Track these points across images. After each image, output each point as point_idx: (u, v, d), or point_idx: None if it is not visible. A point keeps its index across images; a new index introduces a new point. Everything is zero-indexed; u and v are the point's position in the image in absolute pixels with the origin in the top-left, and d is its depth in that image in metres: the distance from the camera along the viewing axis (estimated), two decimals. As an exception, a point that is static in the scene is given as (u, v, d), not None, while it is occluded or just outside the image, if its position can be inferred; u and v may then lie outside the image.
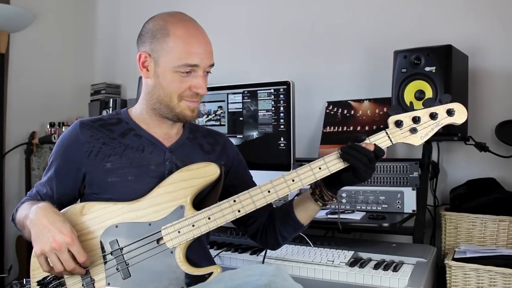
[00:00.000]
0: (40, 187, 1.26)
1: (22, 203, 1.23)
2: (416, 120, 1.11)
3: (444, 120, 1.12)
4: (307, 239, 1.69)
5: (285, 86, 1.92)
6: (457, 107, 1.12)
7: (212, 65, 1.22)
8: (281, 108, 1.93)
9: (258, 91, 1.99)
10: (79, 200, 1.26)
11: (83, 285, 1.11)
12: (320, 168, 1.12)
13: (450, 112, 1.11)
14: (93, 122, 1.26)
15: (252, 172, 1.42)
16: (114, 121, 1.28)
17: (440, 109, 1.12)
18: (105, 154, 1.21)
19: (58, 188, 1.23)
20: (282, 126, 1.93)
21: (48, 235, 1.04)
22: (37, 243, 1.05)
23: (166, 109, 1.22)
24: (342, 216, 1.74)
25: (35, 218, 1.07)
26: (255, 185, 1.19)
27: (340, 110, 2.15)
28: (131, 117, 1.29)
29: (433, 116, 1.11)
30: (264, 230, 1.32)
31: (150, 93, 1.23)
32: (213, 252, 1.58)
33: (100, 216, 1.15)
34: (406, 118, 1.12)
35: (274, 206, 1.34)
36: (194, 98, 1.21)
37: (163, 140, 1.26)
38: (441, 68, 1.67)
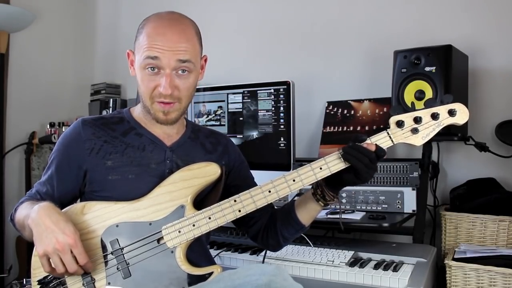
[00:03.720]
0: (40, 187, 1.25)
1: (21, 203, 1.21)
2: (417, 120, 1.11)
3: (445, 120, 1.12)
4: (307, 239, 1.69)
5: (285, 86, 1.92)
6: (459, 107, 1.12)
7: (183, 61, 1.14)
8: (281, 108, 1.93)
9: (258, 91, 1.99)
10: (79, 199, 1.25)
11: (83, 284, 1.11)
12: (321, 168, 1.11)
13: (451, 113, 1.11)
14: (95, 121, 1.26)
15: (252, 172, 1.42)
16: (116, 120, 1.28)
17: (442, 110, 1.11)
18: (106, 152, 1.21)
19: (59, 186, 1.22)
20: (282, 126, 1.93)
21: (50, 236, 1.02)
22: (40, 243, 1.04)
23: (146, 109, 1.22)
24: (342, 216, 1.74)
25: (38, 218, 1.06)
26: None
27: (340, 110, 2.15)
28: (133, 116, 1.29)
29: (434, 116, 1.11)
30: (265, 231, 1.32)
31: (139, 92, 1.23)
32: (213, 252, 1.58)
33: (101, 216, 1.14)
34: (407, 118, 1.11)
35: (275, 207, 1.34)
36: (163, 98, 1.16)
37: (164, 139, 1.26)
38: (441, 68, 1.67)
